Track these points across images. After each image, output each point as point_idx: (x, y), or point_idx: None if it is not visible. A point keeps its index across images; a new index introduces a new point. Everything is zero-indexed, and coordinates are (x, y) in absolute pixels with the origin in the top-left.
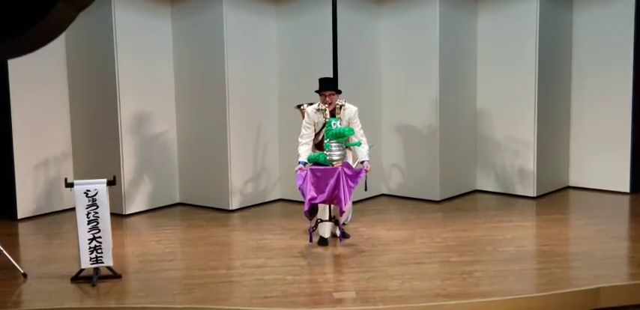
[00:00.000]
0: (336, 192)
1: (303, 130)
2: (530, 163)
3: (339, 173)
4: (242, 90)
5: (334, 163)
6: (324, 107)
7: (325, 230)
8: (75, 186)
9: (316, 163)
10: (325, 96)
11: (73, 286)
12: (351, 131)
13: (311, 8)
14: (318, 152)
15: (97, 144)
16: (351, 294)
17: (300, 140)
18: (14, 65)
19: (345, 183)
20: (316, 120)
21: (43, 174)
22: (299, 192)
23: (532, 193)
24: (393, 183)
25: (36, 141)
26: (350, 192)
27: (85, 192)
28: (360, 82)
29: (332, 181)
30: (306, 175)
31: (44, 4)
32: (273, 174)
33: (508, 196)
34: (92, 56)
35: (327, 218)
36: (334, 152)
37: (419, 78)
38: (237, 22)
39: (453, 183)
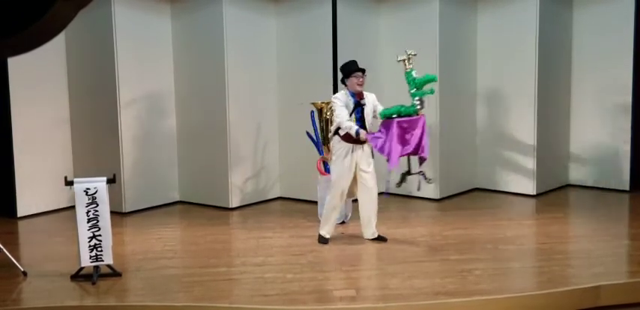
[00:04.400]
0: (421, 142)
1: (340, 112)
2: (530, 161)
3: (423, 122)
4: (242, 88)
5: (420, 112)
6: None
7: (330, 230)
8: (75, 184)
9: (398, 116)
10: (359, 77)
11: (73, 284)
12: (435, 77)
13: (311, 6)
14: (393, 106)
15: (96, 143)
16: (351, 292)
17: (340, 121)
18: (14, 64)
19: (425, 131)
20: (347, 103)
21: (42, 172)
22: (379, 153)
23: (532, 191)
24: (392, 181)
25: (36, 140)
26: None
27: (85, 191)
28: None
29: (417, 131)
30: (388, 132)
31: (44, 3)
32: (273, 172)
33: (508, 194)
34: (92, 54)
35: (407, 169)
36: (419, 101)
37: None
38: (236, 20)
39: (453, 181)
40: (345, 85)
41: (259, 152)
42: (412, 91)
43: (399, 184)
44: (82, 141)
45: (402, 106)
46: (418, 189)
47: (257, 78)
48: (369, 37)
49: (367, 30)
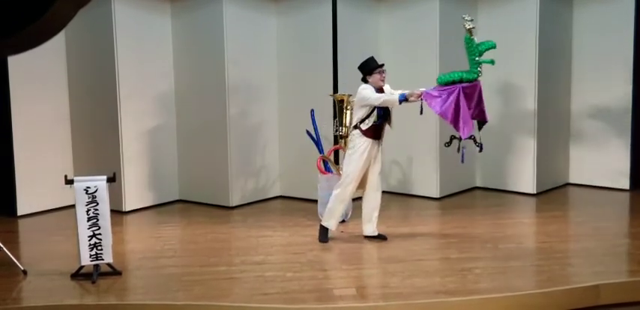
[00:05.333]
0: (481, 105)
1: (374, 94)
2: (530, 160)
3: (480, 87)
4: (242, 87)
5: (479, 78)
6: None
7: (335, 223)
8: (75, 183)
9: (460, 82)
10: (382, 72)
11: (73, 283)
12: (495, 44)
13: (311, 5)
14: (451, 72)
15: (97, 141)
16: (351, 291)
17: (377, 97)
18: (14, 62)
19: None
20: None
21: (43, 170)
22: (431, 110)
23: (532, 190)
24: (393, 179)
25: (36, 138)
26: None
27: (85, 189)
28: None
29: (476, 96)
30: (449, 96)
31: (44, 2)
32: (273, 171)
33: (508, 193)
34: (92, 53)
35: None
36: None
37: (419, 74)
38: (237, 19)
39: (452, 180)
40: (366, 82)
41: (259, 151)
42: (477, 59)
43: (449, 144)
44: (82, 140)
45: (463, 72)
46: (462, 161)
47: (257, 76)
48: (369, 35)
49: (367, 29)
